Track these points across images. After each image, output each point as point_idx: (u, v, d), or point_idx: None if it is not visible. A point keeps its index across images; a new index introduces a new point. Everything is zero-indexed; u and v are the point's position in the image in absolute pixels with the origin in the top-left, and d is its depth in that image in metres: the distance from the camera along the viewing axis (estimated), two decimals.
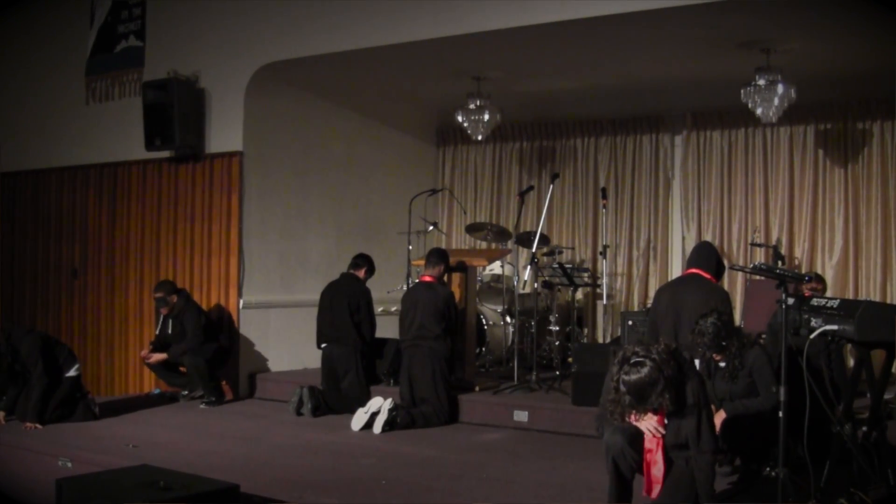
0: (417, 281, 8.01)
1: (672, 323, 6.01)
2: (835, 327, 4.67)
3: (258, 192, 9.07)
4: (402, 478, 5.79)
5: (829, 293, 8.18)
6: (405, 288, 8.71)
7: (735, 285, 9.30)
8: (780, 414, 4.71)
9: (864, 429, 4.84)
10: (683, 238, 9.81)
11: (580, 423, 6.95)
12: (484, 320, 8.85)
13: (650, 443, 4.51)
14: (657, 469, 4.50)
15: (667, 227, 9.97)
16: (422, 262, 8.04)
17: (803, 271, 8.79)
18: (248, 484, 5.33)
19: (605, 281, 9.16)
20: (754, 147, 9.49)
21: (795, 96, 7.61)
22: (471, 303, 8.25)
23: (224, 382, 8.68)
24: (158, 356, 8.50)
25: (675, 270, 9.65)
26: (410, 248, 9.24)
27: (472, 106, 8.78)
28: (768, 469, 5.28)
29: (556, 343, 8.86)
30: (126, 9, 9.66)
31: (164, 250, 9.42)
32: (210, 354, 8.42)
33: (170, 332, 8.59)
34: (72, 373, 7.53)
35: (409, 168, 10.76)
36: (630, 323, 8.02)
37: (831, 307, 4.76)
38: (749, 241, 9.31)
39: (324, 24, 8.24)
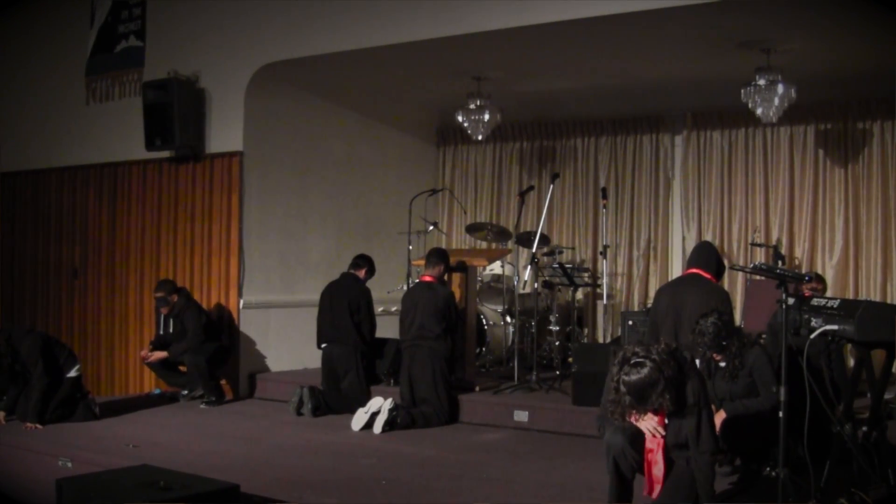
0: (418, 281, 8.01)
1: (672, 323, 6.01)
2: (835, 327, 4.67)
3: (258, 192, 9.07)
4: (402, 478, 5.79)
5: (829, 293, 8.18)
6: (405, 288, 8.71)
7: (735, 285, 9.30)
8: (781, 414, 4.71)
9: (865, 429, 4.84)
10: (684, 238, 9.81)
11: (580, 423, 6.95)
12: (484, 320, 8.85)
13: (651, 443, 4.51)
14: (657, 469, 4.50)
15: (667, 227, 9.97)
16: (422, 262, 8.04)
17: (803, 271, 8.79)
18: (249, 484, 5.32)
19: (605, 281, 9.16)
20: (754, 147, 9.49)
21: (795, 96, 7.61)
22: (471, 303, 8.25)
23: (224, 382, 8.68)
24: (158, 354, 8.50)
25: (676, 270, 9.65)
26: (411, 247, 9.24)
27: (472, 106, 8.78)
28: (768, 469, 5.28)
29: (557, 343, 8.86)
30: (126, 9, 9.66)
31: (165, 250, 9.42)
32: (211, 353, 8.42)
33: (170, 331, 8.59)
34: (72, 373, 7.53)
35: (409, 168, 10.76)
36: (630, 323, 8.03)
37: (831, 307, 4.76)
38: (749, 240, 9.31)
39: (324, 24, 8.24)
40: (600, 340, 9.74)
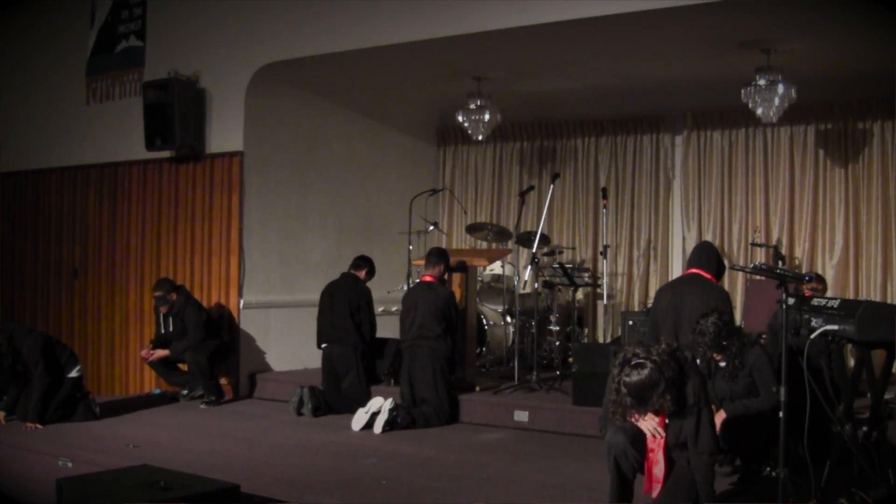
0: (418, 281, 8.01)
1: (672, 323, 6.01)
2: (835, 327, 4.67)
3: (258, 191, 9.07)
4: (402, 478, 5.79)
5: (829, 293, 8.18)
6: (405, 288, 8.71)
7: (735, 285, 9.30)
8: (781, 414, 4.71)
9: (865, 429, 4.83)
10: (684, 238, 9.80)
11: (581, 423, 6.96)
12: (484, 320, 8.85)
13: (652, 443, 4.51)
14: (658, 469, 4.50)
15: (667, 227, 9.96)
16: (422, 262, 8.04)
17: (804, 271, 8.79)
18: (249, 484, 5.33)
19: (605, 281, 9.16)
20: (755, 147, 9.48)
21: (796, 96, 7.61)
22: (471, 303, 8.25)
23: (224, 382, 8.68)
24: (160, 353, 8.50)
25: (676, 270, 9.64)
26: (411, 247, 9.24)
27: (472, 106, 8.78)
28: (769, 469, 5.28)
29: (557, 343, 8.86)
30: (126, 9, 9.66)
31: (165, 250, 9.42)
32: (212, 350, 8.42)
33: (170, 330, 8.59)
34: (73, 374, 7.54)
35: (409, 168, 10.76)
36: (630, 323, 8.03)
37: (832, 307, 4.75)
38: (749, 241, 9.31)
39: (324, 24, 8.24)
40: (600, 340, 9.74)
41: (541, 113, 10.38)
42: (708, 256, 6.20)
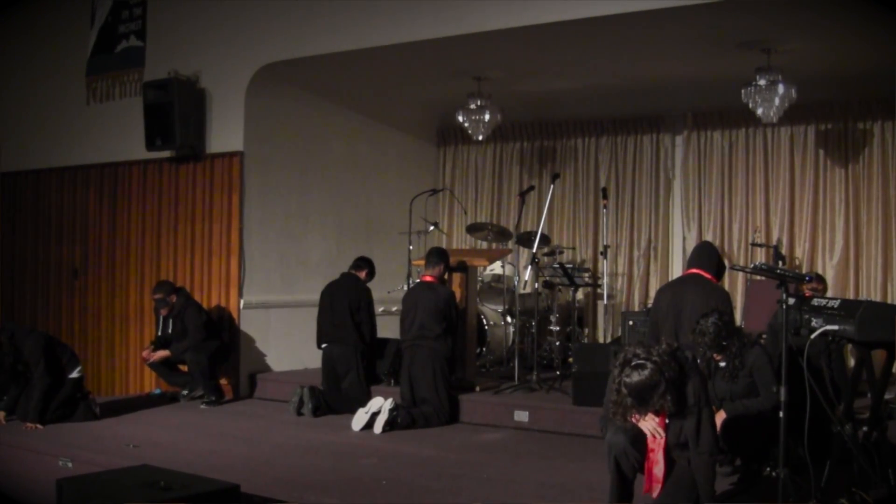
0: (418, 281, 8.01)
1: (673, 323, 6.01)
2: (835, 327, 4.66)
3: (259, 192, 9.07)
4: (402, 478, 5.79)
5: (829, 293, 8.18)
6: (406, 288, 8.71)
7: (735, 285, 9.30)
8: (781, 414, 4.71)
9: (865, 429, 4.83)
10: (684, 238, 9.81)
11: (581, 423, 6.96)
12: (484, 320, 8.85)
13: (652, 443, 4.51)
14: (658, 469, 4.50)
15: (667, 227, 9.96)
16: (422, 262, 8.04)
17: (804, 271, 8.79)
18: (249, 484, 5.32)
19: (605, 281, 9.16)
20: (755, 147, 9.49)
21: (796, 96, 7.61)
22: (471, 303, 8.25)
23: (224, 382, 8.68)
24: (161, 353, 8.50)
25: (676, 270, 9.65)
26: (411, 248, 9.24)
27: (472, 106, 8.78)
28: (769, 469, 5.28)
29: (557, 343, 8.86)
30: (127, 9, 9.66)
31: (165, 250, 9.42)
32: (212, 351, 8.42)
33: (170, 331, 8.59)
34: (74, 374, 7.54)
35: (409, 168, 10.76)
36: (631, 323, 8.03)
37: (832, 307, 4.75)
38: (749, 241, 9.31)
39: (324, 24, 8.24)
40: (601, 340, 9.74)
41: (541, 113, 10.38)
42: (708, 256, 6.20)
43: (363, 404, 7.46)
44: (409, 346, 7.63)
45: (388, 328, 8.92)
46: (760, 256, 9.18)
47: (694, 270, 6.14)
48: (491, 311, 9.05)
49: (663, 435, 4.47)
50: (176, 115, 8.81)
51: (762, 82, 7.55)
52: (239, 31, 8.85)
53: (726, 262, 7.77)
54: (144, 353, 8.68)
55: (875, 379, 4.90)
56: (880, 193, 8.87)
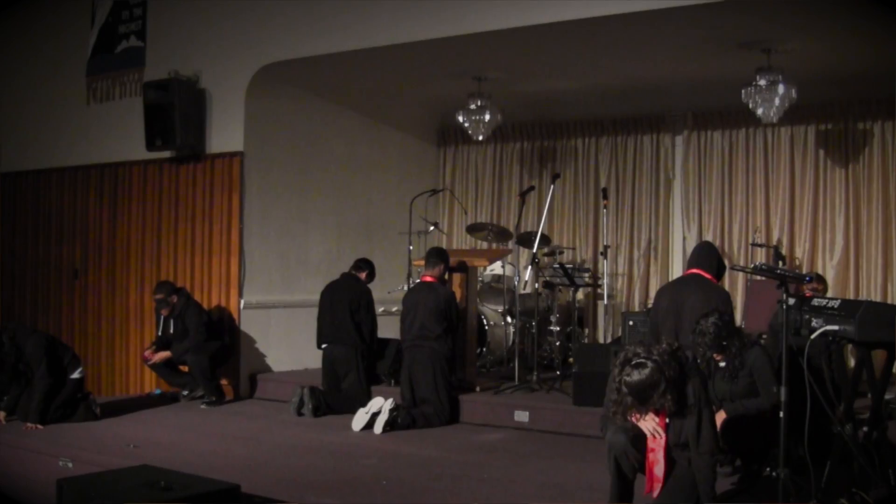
0: (418, 281, 8.01)
1: (673, 323, 6.02)
2: (835, 327, 4.67)
3: (259, 192, 9.07)
4: (402, 478, 5.79)
5: (829, 293, 8.18)
6: (406, 288, 8.71)
7: (736, 285, 9.30)
8: (781, 414, 4.71)
9: (865, 429, 4.84)
10: (684, 238, 9.80)
11: (581, 423, 6.96)
12: (485, 320, 8.85)
13: (652, 443, 4.51)
14: (658, 468, 4.50)
15: (668, 228, 9.96)
16: (422, 263, 8.04)
17: (804, 271, 8.79)
18: (249, 484, 5.32)
19: (605, 281, 9.16)
20: (755, 147, 9.49)
21: (796, 96, 7.61)
22: (471, 303, 8.25)
23: (225, 383, 8.68)
24: (162, 355, 8.49)
25: (676, 271, 9.64)
26: (411, 248, 9.24)
27: (472, 106, 8.78)
28: (769, 469, 5.27)
29: (557, 343, 8.86)
30: (127, 9, 9.67)
31: (165, 250, 9.42)
32: (213, 352, 8.42)
33: (171, 331, 8.59)
34: (76, 375, 7.54)
35: (409, 168, 10.76)
36: (631, 323, 8.03)
37: (832, 307, 4.76)
38: (750, 241, 9.30)
39: (324, 24, 8.25)
40: (601, 341, 9.73)
41: (541, 113, 10.38)
42: (708, 256, 6.20)
43: (363, 404, 7.45)
44: (409, 347, 7.63)
45: (388, 328, 8.92)
46: (760, 256, 9.17)
47: (694, 271, 6.14)
48: (491, 312, 9.05)
49: (663, 435, 4.47)
50: (176, 115, 8.81)
51: (762, 82, 7.55)
52: (239, 31, 8.85)
53: (726, 263, 7.77)
54: (146, 354, 8.67)
55: (875, 379, 4.90)
56: (880, 193, 8.87)
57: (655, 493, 4.51)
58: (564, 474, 5.89)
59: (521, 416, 7.37)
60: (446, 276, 7.97)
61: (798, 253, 9.25)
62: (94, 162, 9.98)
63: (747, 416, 5.28)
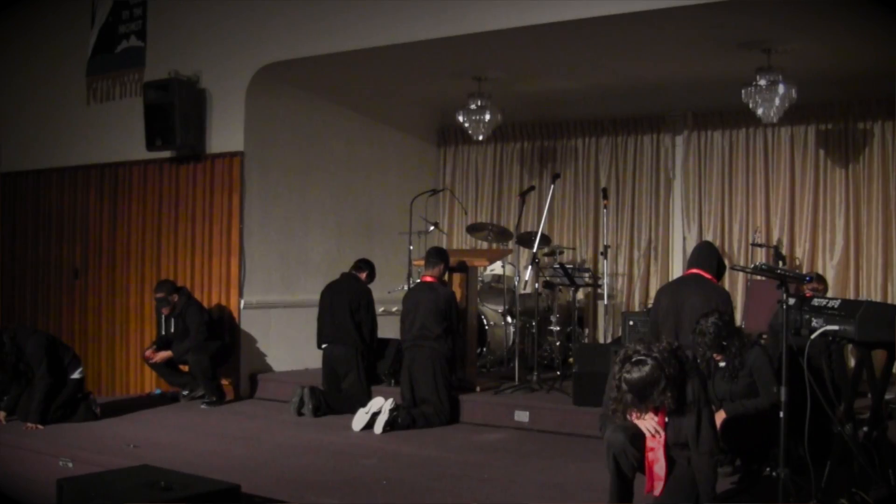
0: (418, 281, 8.01)
1: (673, 323, 6.02)
2: (836, 327, 4.67)
3: (259, 192, 9.07)
4: (402, 478, 5.79)
5: (829, 293, 8.18)
6: (406, 288, 8.71)
7: (736, 285, 9.29)
8: (781, 414, 4.71)
9: (865, 429, 4.84)
10: (684, 238, 9.80)
11: (581, 423, 6.95)
12: (485, 320, 8.85)
13: (651, 442, 4.50)
14: (659, 466, 4.48)
15: (668, 228, 9.96)
16: (422, 263, 8.03)
17: (804, 271, 8.79)
18: (249, 484, 5.33)
19: (605, 281, 9.16)
20: (755, 147, 9.48)
21: (796, 96, 7.61)
22: (472, 303, 8.25)
23: (226, 383, 8.68)
24: (163, 354, 8.48)
25: (676, 270, 9.64)
26: (411, 248, 9.24)
27: (472, 106, 8.78)
28: (769, 469, 5.28)
29: (557, 343, 8.86)
30: (127, 9, 9.67)
31: (165, 251, 9.42)
32: (214, 352, 8.42)
33: (172, 331, 8.59)
34: (76, 375, 7.55)
35: (410, 168, 10.76)
36: (631, 323, 8.03)
37: (832, 307, 4.76)
38: (750, 241, 9.30)
39: (324, 24, 8.24)
40: (601, 341, 9.73)
41: (541, 113, 10.38)
42: (708, 256, 6.20)
43: (363, 404, 7.46)
44: (409, 347, 7.63)
45: (388, 328, 8.92)
46: (761, 256, 9.17)
47: (694, 270, 6.14)
48: (491, 312, 9.05)
49: (662, 434, 4.47)
50: (176, 115, 8.81)
51: (762, 82, 7.55)
52: (239, 31, 8.85)
53: (726, 262, 7.76)
54: (147, 353, 8.66)
55: (875, 379, 4.90)
56: (880, 193, 8.87)
57: (657, 492, 4.50)
58: (564, 474, 5.89)
59: (521, 416, 7.37)
60: (446, 277, 7.97)
61: (798, 253, 9.25)
62: (94, 162, 9.98)
63: (747, 415, 5.28)
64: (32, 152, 10.52)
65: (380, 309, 8.85)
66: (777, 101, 7.57)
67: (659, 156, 10.00)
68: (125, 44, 9.70)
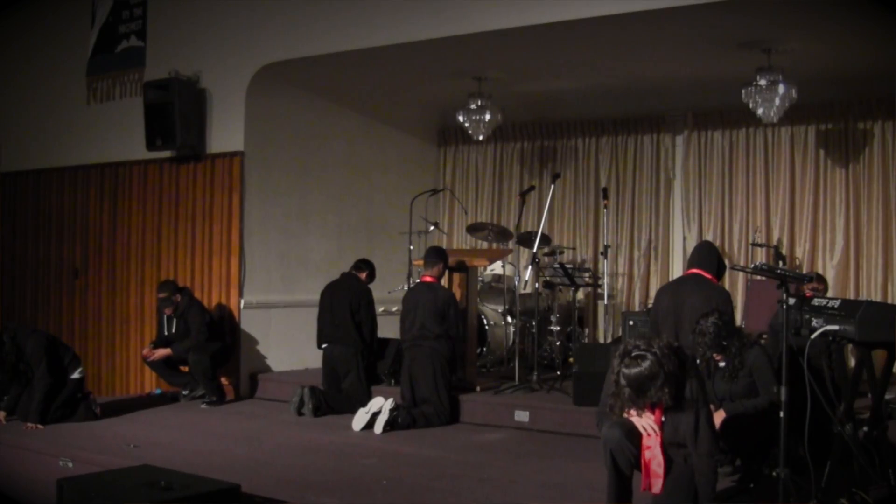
0: (418, 281, 8.01)
1: (673, 323, 6.02)
2: (836, 327, 4.67)
3: (259, 192, 9.07)
4: (403, 478, 5.79)
5: (830, 293, 8.18)
6: (406, 288, 8.71)
7: (736, 285, 9.30)
8: (781, 414, 4.71)
9: (865, 429, 4.84)
10: (684, 238, 9.80)
11: (581, 423, 6.95)
12: (485, 320, 8.85)
13: (647, 440, 4.49)
14: (657, 464, 4.46)
15: (668, 227, 9.96)
16: (422, 263, 8.03)
17: (804, 271, 8.79)
18: (249, 484, 5.33)
19: (606, 281, 9.16)
20: (755, 147, 9.49)
21: (796, 96, 7.61)
22: (472, 303, 8.25)
23: (226, 382, 8.68)
24: (161, 352, 8.48)
25: (676, 270, 9.65)
26: (411, 248, 9.24)
27: (473, 106, 8.78)
28: (769, 469, 5.27)
29: (557, 343, 8.86)
30: (127, 9, 9.67)
31: (165, 250, 9.42)
32: (214, 352, 8.42)
33: (173, 331, 8.58)
34: (76, 375, 7.54)
35: (410, 168, 10.76)
36: (631, 323, 8.04)
37: (832, 307, 4.76)
38: (750, 241, 9.31)
39: (324, 24, 8.25)
40: (601, 341, 9.74)
41: (541, 113, 10.38)
42: (708, 256, 6.20)
43: (363, 404, 7.46)
44: (409, 347, 7.63)
45: (388, 328, 8.93)
46: (761, 256, 9.18)
47: (694, 270, 6.15)
48: (491, 312, 9.05)
49: (658, 432, 4.46)
50: (176, 115, 8.82)
51: (762, 82, 7.55)
52: (239, 31, 8.85)
53: (726, 262, 7.77)
54: (145, 352, 8.67)
55: (875, 379, 4.90)
56: (880, 193, 8.88)
57: (655, 489, 4.49)
58: (564, 474, 5.89)
59: (522, 416, 7.37)
60: (446, 275, 7.96)
61: (798, 253, 9.25)
62: (94, 162, 9.98)
63: (747, 415, 5.28)
64: (32, 152, 10.53)
65: (380, 309, 8.85)
66: (777, 101, 7.57)
67: (659, 156, 10.01)
68: (125, 44, 9.70)
